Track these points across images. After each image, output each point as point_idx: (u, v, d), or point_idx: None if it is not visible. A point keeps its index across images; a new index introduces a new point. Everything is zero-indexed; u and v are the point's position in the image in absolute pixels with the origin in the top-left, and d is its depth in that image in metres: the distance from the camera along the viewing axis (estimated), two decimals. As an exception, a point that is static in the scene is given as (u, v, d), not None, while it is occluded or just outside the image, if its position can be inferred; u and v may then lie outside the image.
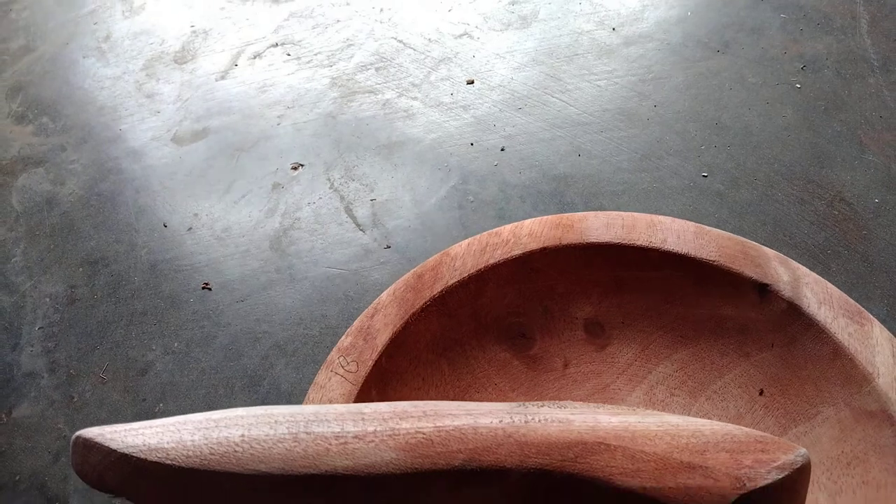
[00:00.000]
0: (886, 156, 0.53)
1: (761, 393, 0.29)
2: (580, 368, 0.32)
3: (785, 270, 0.29)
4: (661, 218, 0.32)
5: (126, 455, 0.19)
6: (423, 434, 0.21)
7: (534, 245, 0.32)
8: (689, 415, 0.29)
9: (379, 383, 0.29)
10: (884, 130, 0.54)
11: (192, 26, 0.79)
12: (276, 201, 0.59)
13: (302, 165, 0.61)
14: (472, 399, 0.31)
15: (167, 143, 0.66)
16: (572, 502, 0.21)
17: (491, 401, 0.31)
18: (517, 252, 0.32)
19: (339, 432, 0.20)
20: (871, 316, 0.28)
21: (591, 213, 0.33)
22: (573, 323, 0.33)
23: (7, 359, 0.52)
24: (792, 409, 0.28)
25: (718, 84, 0.60)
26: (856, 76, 0.59)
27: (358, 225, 0.56)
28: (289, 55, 0.73)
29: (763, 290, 0.29)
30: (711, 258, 0.30)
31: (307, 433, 0.20)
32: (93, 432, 0.19)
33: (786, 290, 0.29)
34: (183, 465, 0.19)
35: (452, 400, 0.30)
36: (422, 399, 0.30)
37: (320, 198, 0.58)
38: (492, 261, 0.32)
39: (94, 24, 0.83)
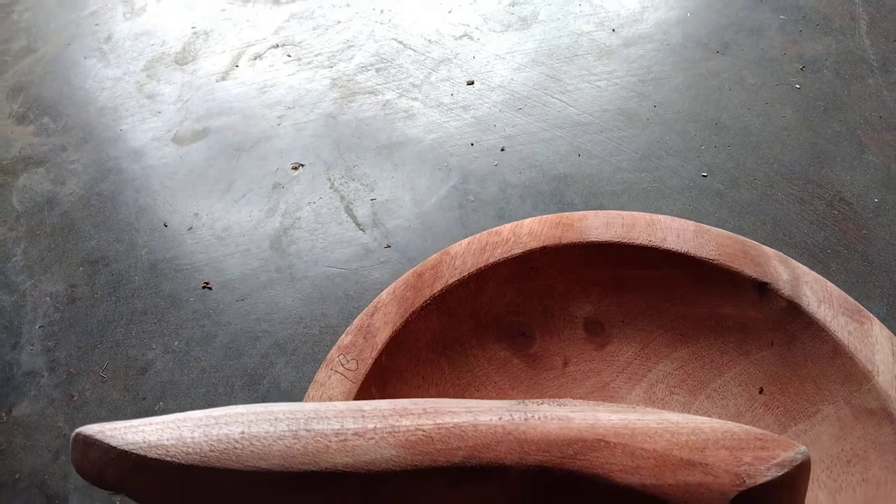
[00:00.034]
0: (886, 155, 0.53)
1: (761, 391, 0.29)
2: (580, 367, 0.32)
3: (784, 269, 0.29)
4: (661, 217, 0.32)
5: (126, 452, 0.19)
6: (423, 431, 0.21)
7: (534, 244, 0.32)
8: (688, 413, 0.29)
9: (379, 381, 0.29)
10: (883, 130, 0.54)
11: (193, 27, 0.79)
12: (277, 201, 0.59)
13: (302, 165, 0.61)
14: (471, 397, 0.31)
15: (168, 143, 0.66)
16: (572, 499, 0.21)
17: (491, 399, 0.31)
18: (517, 251, 0.32)
19: (338, 429, 0.20)
20: (871, 314, 0.28)
21: (591, 213, 0.33)
22: (573, 321, 0.33)
23: (7, 357, 0.52)
24: (792, 408, 0.28)
25: (718, 84, 0.60)
26: (855, 77, 0.59)
27: (358, 224, 0.56)
28: (289, 56, 0.73)
29: (763, 289, 0.29)
30: (711, 257, 0.30)
31: (307, 430, 0.20)
32: (93, 429, 0.19)
33: (785, 289, 0.29)
34: (183, 461, 0.19)
35: (452, 398, 0.30)
36: (422, 397, 0.30)
37: (320, 197, 0.58)
38: (492, 260, 0.32)
39: (96, 25, 0.83)
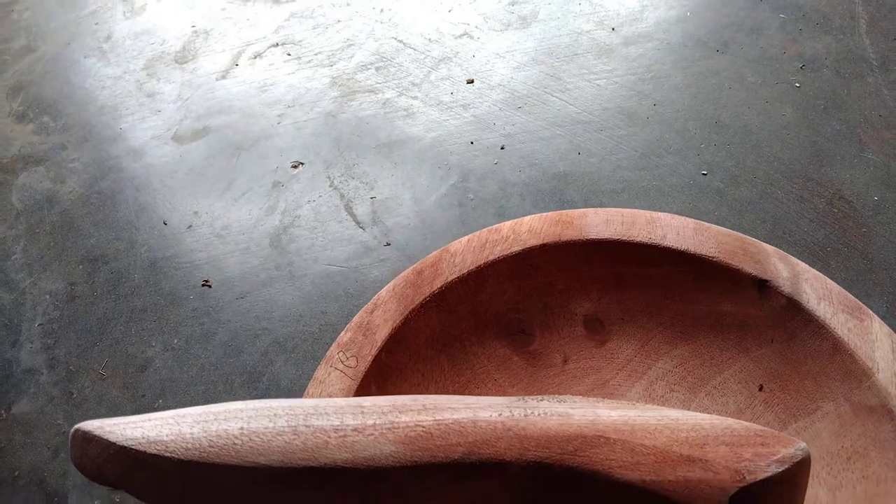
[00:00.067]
0: (885, 154, 0.53)
1: (761, 388, 0.29)
2: (580, 364, 0.32)
3: (784, 266, 0.29)
4: (661, 214, 0.32)
5: (125, 448, 0.19)
6: (423, 427, 0.21)
7: (533, 241, 0.32)
8: (688, 410, 0.29)
9: (378, 379, 0.29)
10: (883, 129, 0.54)
11: (193, 26, 0.79)
12: (276, 199, 0.59)
13: (302, 164, 0.61)
14: (471, 395, 0.31)
15: (167, 141, 0.66)
16: (572, 495, 0.21)
17: (490, 396, 0.31)
18: (517, 248, 0.32)
19: (338, 425, 0.20)
20: (871, 311, 0.28)
21: (591, 210, 0.33)
22: (573, 319, 0.33)
23: (7, 355, 0.52)
24: (792, 405, 0.28)
25: (718, 83, 0.60)
26: (855, 75, 0.59)
27: (358, 223, 0.56)
28: (289, 55, 0.73)
29: (762, 286, 0.29)
30: (711, 254, 0.30)
31: (306, 426, 0.20)
32: (92, 425, 0.19)
33: (785, 286, 0.29)
34: (182, 457, 0.19)
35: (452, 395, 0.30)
36: (421, 395, 0.30)
37: (320, 196, 0.58)
38: (491, 257, 0.32)
39: (96, 24, 0.83)
